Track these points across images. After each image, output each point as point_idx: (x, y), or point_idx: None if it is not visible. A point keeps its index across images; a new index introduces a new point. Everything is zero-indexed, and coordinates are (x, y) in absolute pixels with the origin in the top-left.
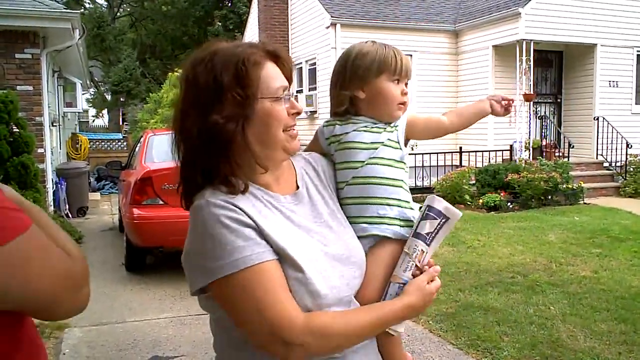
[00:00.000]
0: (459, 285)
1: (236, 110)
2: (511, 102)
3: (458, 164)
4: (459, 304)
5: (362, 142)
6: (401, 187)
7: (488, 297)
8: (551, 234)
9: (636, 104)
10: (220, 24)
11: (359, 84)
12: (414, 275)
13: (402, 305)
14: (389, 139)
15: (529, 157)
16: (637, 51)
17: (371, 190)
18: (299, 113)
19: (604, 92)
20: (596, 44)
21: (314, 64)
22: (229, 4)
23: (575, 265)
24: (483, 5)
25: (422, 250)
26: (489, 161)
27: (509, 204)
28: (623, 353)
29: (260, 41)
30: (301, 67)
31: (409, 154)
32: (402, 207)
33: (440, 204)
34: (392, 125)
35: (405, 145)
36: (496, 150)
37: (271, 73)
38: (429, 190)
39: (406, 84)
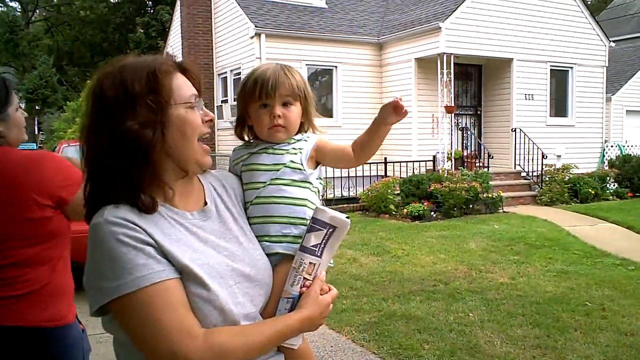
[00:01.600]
0: (383, 294)
1: (151, 117)
2: (398, 100)
3: (383, 174)
4: (382, 313)
5: (262, 164)
6: (306, 206)
7: (410, 306)
8: (472, 242)
9: (551, 116)
10: (142, 31)
11: (243, 111)
12: (307, 288)
13: (297, 318)
14: (291, 161)
15: (451, 168)
16: (551, 66)
17: (273, 210)
18: (211, 121)
19: (521, 104)
20: (512, 59)
21: (239, 73)
22: (152, 11)
23: (494, 272)
24: (406, 19)
25: (310, 262)
26: (413, 171)
27: (432, 213)
28: (537, 357)
29: (167, 54)
30: (226, 77)
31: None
32: (307, 225)
33: (325, 214)
34: (295, 147)
35: (315, 167)
36: (420, 161)
37: (182, 82)
38: (355, 200)
39: (287, 104)
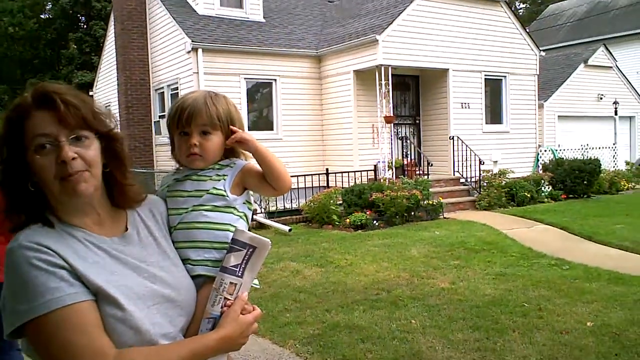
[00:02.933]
0: (326, 305)
1: (21, 160)
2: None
3: (325, 185)
4: (325, 324)
5: (185, 191)
6: (228, 230)
7: (354, 316)
8: (414, 249)
9: (486, 123)
10: (75, 46)
11: (171, 136)
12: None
13: (216, 337)
14: (214, 187)
15: (392, 176)
16: (485, 75)
17: (195, 235)
18: (65, 162)
19: (458, 113)
20: (448, 69)
21: (177, 88)
22: (85, 27)
23: (435, 278)
24: (344, 32)
25: (231, 282)
26: (355, 181)
27: (374, 222)
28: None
29: (34, 86)
30: (163, 92)
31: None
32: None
33: (244, 235)
34: (219, 174)
35: (241, 193)
36: (361, 171)
37: (32, 124)
38: (297, 212)
39: (206, 132)
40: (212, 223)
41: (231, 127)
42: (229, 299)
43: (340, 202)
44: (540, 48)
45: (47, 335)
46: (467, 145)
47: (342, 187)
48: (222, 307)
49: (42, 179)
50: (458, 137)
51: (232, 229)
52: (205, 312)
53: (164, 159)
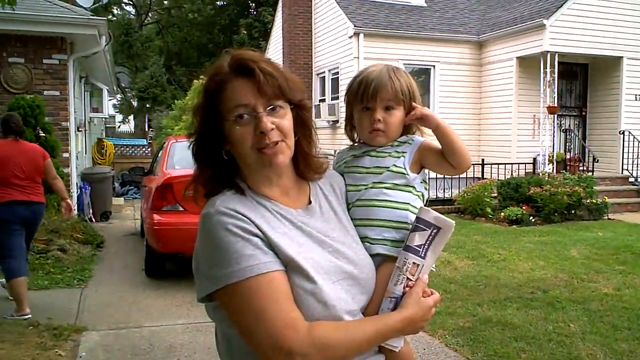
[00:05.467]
0: (478, 299)
1: (217, 129)
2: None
3: (480, 176)
4: (476, 318)
5: (364, 167)
6: (407, 210)
7: (506, 312)
8: (573, 249)
9: None
10: (245, 32)
11: (349, 112)
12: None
13: (398, 318)
14: (394, 165)
15: (553, 171)
16: None
17: (374, 213)
18: (263, 132)
19: (630, 105)
20: (622, 57)
21: (337, 73)
22: (254, 13)
23: (597, 282)
24: (508, 16)
25: (414, 262)
26: (512, 174)
27: (531, 218)
28: None
29: (231, 54)
30: (324, 76)
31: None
32: (409, 229)
33: (429, 214)
34: (398, 151)
35: (418, 172)
36: (519, 163)
37: (230, 94)
38: (450, 202)
39: (389, 108)
40: (392, 201)
41: (413, 103)
42: (410, 280)
43: (495, 194)
44: None
45: (241, 302)
46: (639, 142)
47: (498, 180)
48: (404, 287)
49: (238, 149)
50: (629, 132)
51: (412, 208)
52: (386, 291)
53: (323, 142)
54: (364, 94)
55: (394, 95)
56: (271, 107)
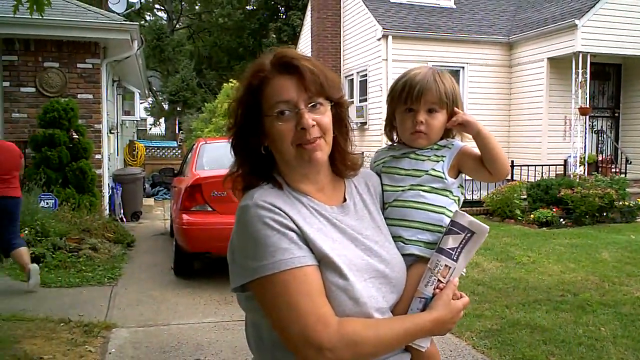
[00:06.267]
0: (506, 301)
1: (257, 125)
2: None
3: (509, 177)
4: (504, 320)
5: (403, 169)
6: (444, 213)
7: (535, 315)
8: (605, 252)
9: None
10: (274, 36)
11: (390, 112)
12: (440, 290)
13: (428, 318)
14: (433, 169)
15: (584, 173)
16: None
17: (410, 214)
18: (304, 129)
19: None
20: None
21: (365, 75)
22: (284, 17)
23: (629, 285)
24: (538, 17)
25: (446, 265)
26: (542, 176)
27: (561, 220)
28: None
29: (274, 51)
30: (352, 79)
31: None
32: (443, 231)
33: (464, 218)
34: (438, 155)
35: (456, 176)
36: (549, 165)
37: (272, 90)
38: (479, 203)
39: (432, 110)
40: (428, 204)
41: (455, 108)
42: (441, 282)
43: (525, 196)
44: None
45: (274, 295)
46: None
47: (527, 181)
48: (434, 289)
49: (278, 145)
50: None
51: (447, 212)
52: (417, 291)
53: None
54: (408, 96)
55: (438, 99)
56: (312, 104)
